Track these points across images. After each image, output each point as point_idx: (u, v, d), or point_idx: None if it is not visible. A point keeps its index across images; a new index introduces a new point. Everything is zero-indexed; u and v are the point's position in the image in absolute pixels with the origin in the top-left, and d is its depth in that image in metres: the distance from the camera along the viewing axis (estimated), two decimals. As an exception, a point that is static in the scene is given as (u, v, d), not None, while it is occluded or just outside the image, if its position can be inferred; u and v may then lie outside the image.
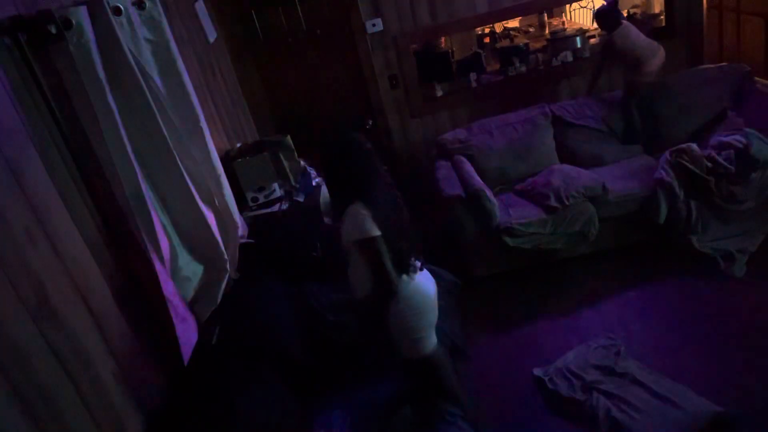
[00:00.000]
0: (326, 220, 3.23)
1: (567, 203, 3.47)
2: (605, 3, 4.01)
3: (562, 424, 2.62)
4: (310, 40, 4.26)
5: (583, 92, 4.40)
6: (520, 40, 5.11)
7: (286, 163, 3.39)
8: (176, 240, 2.26)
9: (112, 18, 1.87)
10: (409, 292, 2.23)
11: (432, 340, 2.35)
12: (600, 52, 4.09)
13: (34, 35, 1.63)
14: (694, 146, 3.51)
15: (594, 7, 5.42)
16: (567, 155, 4.03)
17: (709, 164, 3.40)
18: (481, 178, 3.71)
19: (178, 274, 2.19)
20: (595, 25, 5.27)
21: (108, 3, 1.86)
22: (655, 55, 3.88)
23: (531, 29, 5.60)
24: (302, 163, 3.60)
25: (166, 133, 2.08)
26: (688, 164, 3.43)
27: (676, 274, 3.38)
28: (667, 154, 3.54)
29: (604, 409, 2.55)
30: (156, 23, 2.23)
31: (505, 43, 5.16)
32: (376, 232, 2.11)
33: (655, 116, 4.00)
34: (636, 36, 3.86)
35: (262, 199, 3.24)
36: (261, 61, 4.29)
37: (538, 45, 4.99)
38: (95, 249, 1.72)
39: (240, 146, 3.50)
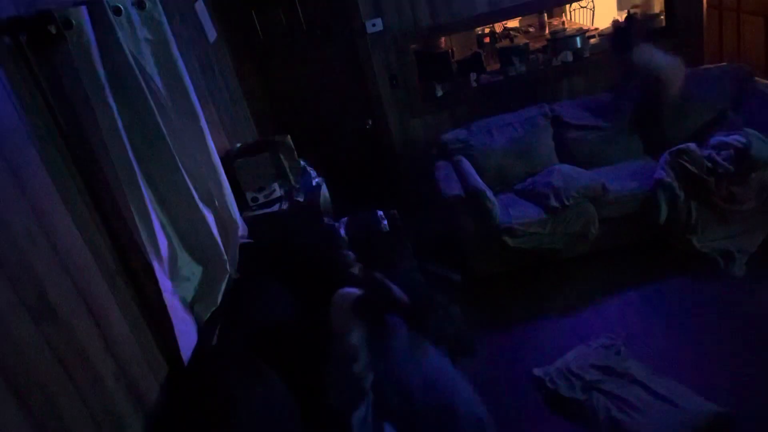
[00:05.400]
0: (326, 219, 3.23)
1: (567, 203, 3.47)
2: None
3: (562, 424, 2.62)
4: (310, 40, 4.26)
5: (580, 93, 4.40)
6: (520, 40, 5.10)
7: (286, 163, 3.39)
8: (176, 240, 2.26)
9: (112, 18, 1.87)
10: None
11: None
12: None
13: (34, 35, 1.62)
14: (694, 146, 3.50)
15: (594, 7, 5.42)
16: (567, 155, 4.03)
17: (709, 164, 3.40)
18: (481, 178, 3.70)
19: (177, 275, 2.19)
20: (595, 25, 5.29)
21: (108, 3, 1.86)
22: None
23: (531, 29, 5.59)
24: (302, 163, 3.60)
25: (166, 133, 2.07)
26: (688, 164, 3.42)
27: (676, 274, 3.38)
28: (667, 154, 3.54)
29: (604, 409, 2.55)
30: (156, 23, 2.22)
31: (505, 43, 5.15)
32: None
33: (656, 116, 3.99)
34: None
35: (262, 199, 3.23)
36: (261, 61, 4.29)
37: (538, 45, 4.98)
38: (95, 249, 1.72)
39: (240, 146, 3.49)
